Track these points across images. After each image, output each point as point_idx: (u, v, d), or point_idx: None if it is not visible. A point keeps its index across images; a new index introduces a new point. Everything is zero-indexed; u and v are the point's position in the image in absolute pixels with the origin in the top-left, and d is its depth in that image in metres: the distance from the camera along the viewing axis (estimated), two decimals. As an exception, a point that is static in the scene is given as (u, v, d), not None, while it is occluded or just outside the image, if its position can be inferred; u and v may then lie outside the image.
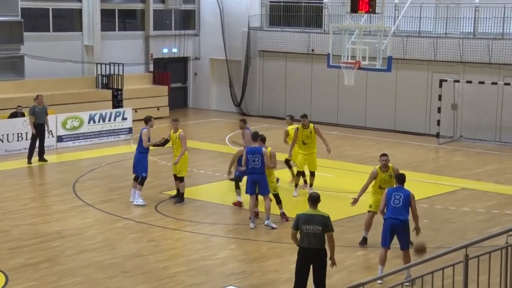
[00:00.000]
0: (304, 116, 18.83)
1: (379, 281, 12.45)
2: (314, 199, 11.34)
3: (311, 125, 18.77)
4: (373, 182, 14.50)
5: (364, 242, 14.87)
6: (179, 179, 17.91)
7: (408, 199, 12.78)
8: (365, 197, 14.83)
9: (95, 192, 19.22)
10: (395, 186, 13.16)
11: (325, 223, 11.13)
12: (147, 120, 18.05)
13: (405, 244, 12.83)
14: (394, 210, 12.70)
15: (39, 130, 22.63)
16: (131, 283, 12.93)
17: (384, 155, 14.64)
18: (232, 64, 33.43)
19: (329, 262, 11.37)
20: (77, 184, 20.04)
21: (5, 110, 25.82)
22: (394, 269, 10.02)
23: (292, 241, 11.68)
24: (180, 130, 17.84)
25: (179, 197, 18.00)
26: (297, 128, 18.74)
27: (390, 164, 14.60)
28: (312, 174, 19.01)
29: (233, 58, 33.32)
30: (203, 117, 32.55)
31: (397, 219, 12.67)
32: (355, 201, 14.65)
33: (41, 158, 22.71)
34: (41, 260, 13.89)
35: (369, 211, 14.69)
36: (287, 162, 19.58)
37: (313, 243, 11.09)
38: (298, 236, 11.31)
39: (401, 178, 13.13)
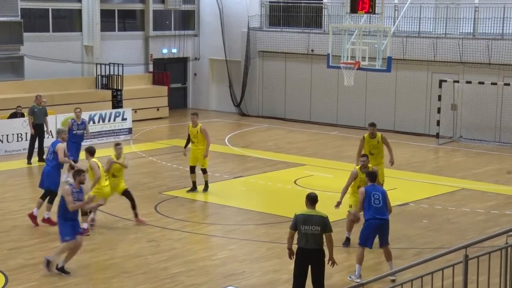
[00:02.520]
0: (373, 124, 17.04)
1: (357, 279, 12.63)
2: (312, 199, 11.26)
3: (379, 134, 17.08)
4: (353, 182, 14.55)
5: (347, 242, 14.85)
6: (202, 171, 18.89)
7: (385, 197, 12.92)
8: (345, 197, 14.72)
9: (95, 193, 19.18)
10: (368, 184, 13.16)
11: (324, 224, 11.07)
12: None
13: (387, 240, 12.99)
14: (376, 210, 12.77)
15: (38, 130, 22.63)
16: (131, 283, 12.92)
17: (363, 155, 14.83)
18: (231, 65, 33.41)
19: (328, 262, 11.35)
20: (77, 184, 19.97)
21: (5, 110, 25.81)
22: (394, 269, 10.02)
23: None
24: (199, 124, 18.67)
25: (205, 185, 19.04)
26: (363, 137, 16.97)
27: (370, 165, 14.65)
28: None
29: (232, 59, 33.31)
30: (203, 117, 32.21)
31: (382, 219, 12.79)
32: (338, 203, 14.52)
33: (41, 159, 22.67)
34: (41, 261, 13.84)
35: (349, 211, 14.68)
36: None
37: (311, 244, 11.04)
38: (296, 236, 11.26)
39: (373, 176, 13.23)
